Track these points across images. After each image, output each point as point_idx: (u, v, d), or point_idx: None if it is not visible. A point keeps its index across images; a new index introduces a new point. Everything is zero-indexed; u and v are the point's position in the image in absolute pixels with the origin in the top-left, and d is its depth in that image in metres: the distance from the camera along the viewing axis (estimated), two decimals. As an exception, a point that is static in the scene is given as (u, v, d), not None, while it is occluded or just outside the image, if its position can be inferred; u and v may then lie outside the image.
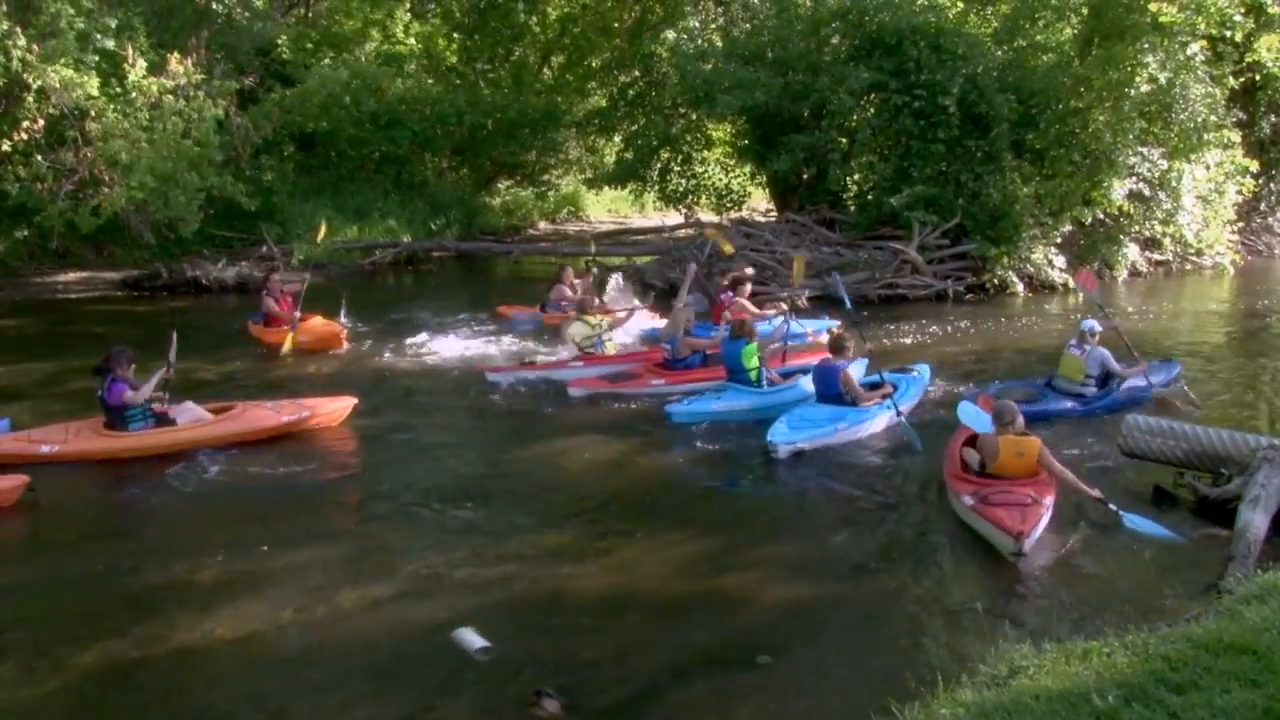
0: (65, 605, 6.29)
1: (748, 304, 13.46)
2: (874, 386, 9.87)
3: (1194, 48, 17.88)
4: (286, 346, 12.88)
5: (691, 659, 5.57)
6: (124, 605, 6.24)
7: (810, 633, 5.90)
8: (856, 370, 9.97)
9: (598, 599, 6.25)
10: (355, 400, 10.04)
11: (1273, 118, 23.96)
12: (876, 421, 9.48)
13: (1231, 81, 19.95)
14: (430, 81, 26.89)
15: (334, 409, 9.87)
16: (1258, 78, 21.97)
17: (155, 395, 9.26)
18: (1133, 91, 17.46)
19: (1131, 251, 19.55)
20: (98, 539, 7.43)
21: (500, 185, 31.77)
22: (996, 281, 17.52)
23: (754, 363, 10.31)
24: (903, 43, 18.59)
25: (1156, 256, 20.80)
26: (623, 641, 5.76)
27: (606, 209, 34.94)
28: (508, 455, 9.14)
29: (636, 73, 27.16)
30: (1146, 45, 17.37)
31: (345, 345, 13.41)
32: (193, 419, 9.26)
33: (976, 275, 17.69)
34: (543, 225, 32.26)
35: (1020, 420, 7.61)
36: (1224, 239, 20.49)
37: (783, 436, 8.96)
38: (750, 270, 15.15)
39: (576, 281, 15.18)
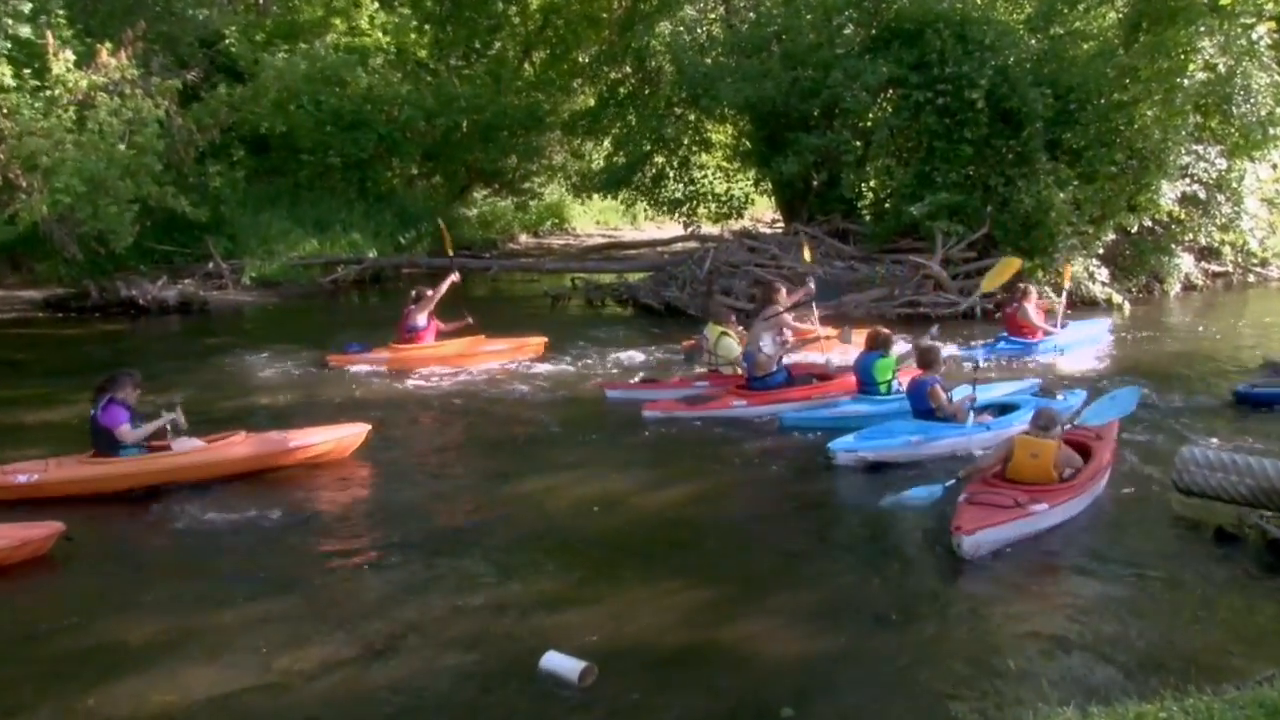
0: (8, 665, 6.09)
1: (1034, 312, 14.54)
2: (1004, 408, 10.31)
3: (1259, 30, 17.86)
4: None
5: (706, 713, 5.49)
6: (70, 667, 6.05)
7: (834, 686, 5.80)
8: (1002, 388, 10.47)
9: (596, 649, 6.09)
10: (368, 427, 10.11)
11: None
12: (962, 441, 9.68)
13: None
14: (398, 78, 26.90)
15: (345, 437, 9.94)
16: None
17: (156, 433, 9.25)
18: (1186, 82, 17.43)
19: (1185, 263, 19.46)
20: (55, 585, 7.32)
21: (476, 194, 31.89)
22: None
23: (888, 375, 10.77)
24: (924, 32, 18.61)
25: (1214, 268, 20.68)
26: (622, 700, 5.61)
27: (594, 220, 35.05)
28: (521, 488, 9.23)
29: (628, 68, 27.25)
30: (1202, 29, 17.36)
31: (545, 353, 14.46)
32: (186, 448, 9.23)
33: (1008, 291, 17.44)
34: (524, 239, 32.33)
35: (1054, 428, 8.08)
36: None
37: (843, 445, 9.45)
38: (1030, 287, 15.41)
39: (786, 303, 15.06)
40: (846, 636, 6.38)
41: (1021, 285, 14.76)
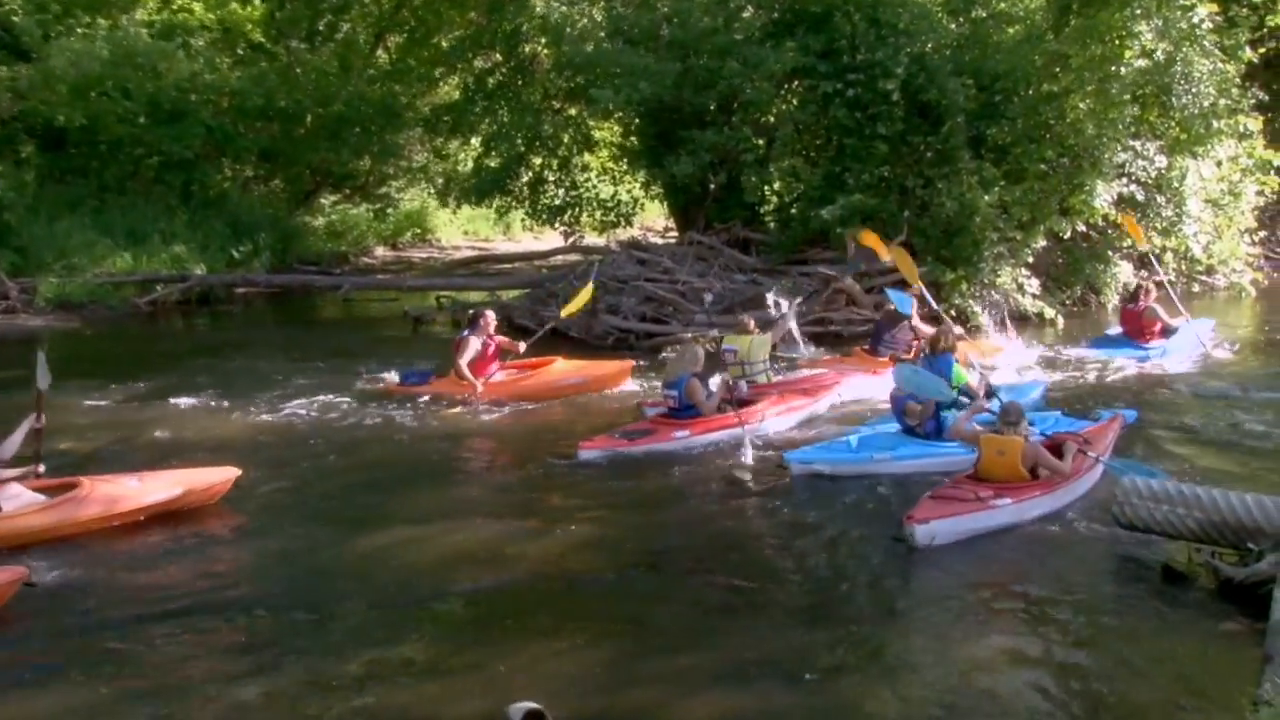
0: None
1: (1160, 310, 15.63)
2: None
3: (1200, 13, 18.21)
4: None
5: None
6: None
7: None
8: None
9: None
10: (237, 471, 10.03)
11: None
12: (936, 461, 10.13)
13: (1249, 54, 20.36)
14: (228, 63, 26.18)
15: (209, 482, 9.85)
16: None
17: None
18: (1122, 70, 17.69)
19: (1123, 271, 19.75)
20: None
21: (324, 201, 31.42)
22: (954, 312, 17.43)
23: (963, 379, 11.02)
24: (832, 16, 18.73)
25: (1155, 277, 20.99)
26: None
27: (462, 230, 34.78)
28: (410, 537, 9.18)
29: (498, 56, 26.93)
30: (1139, 11, 17.63)
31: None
32: (21, 505, 8.93)
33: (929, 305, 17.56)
34: (381, 252, 31.93)
35: (1020, 423, 8.90)
36: (1241, 253, 20.83)
37: (799, 456, 10.18)
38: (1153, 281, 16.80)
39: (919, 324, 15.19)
40: (760, 698, 6.37)
41: (1143, 283, 15.98)
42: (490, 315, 14.34)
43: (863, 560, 8.36)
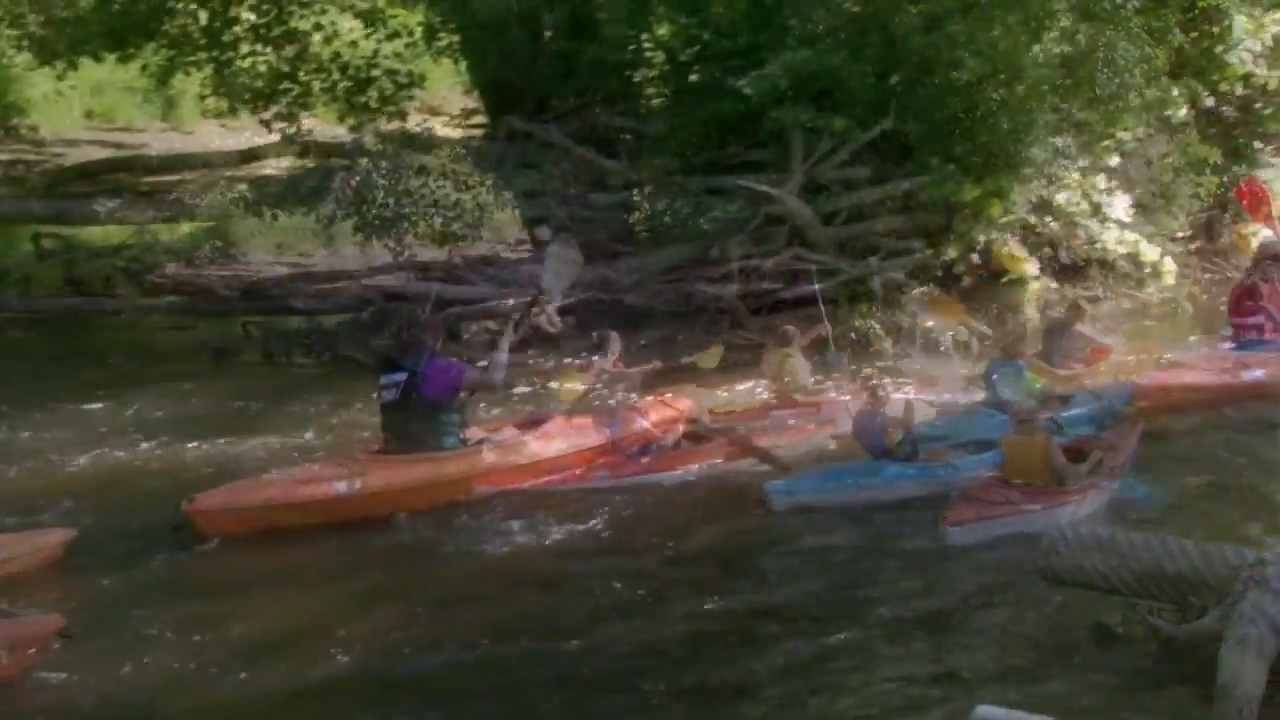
0: None
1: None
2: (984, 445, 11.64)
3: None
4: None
5: None
6: None
7: None
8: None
9: None
10: (70, 532, 10.10)
11: (1240, 88, 25.05)
12: (926, 483, 10.94)
13: (1180, 37, 20.95)
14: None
15: (33, 547, 9.90)
16: (1216, 30, 23.02)
17: None
18: (1040, 53, 18.00)
19: (1044, 285, 20.06)
20: None
21: (99, 207, 30.34)
22: (853, 334, 17.61)
23: (1035, 386, 12.50)
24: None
25: (1080, 291, 21.46)
26: None
27: (275, 243, 34.10)
28: (232, 610, 9.16)
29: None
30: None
31: None
32: None
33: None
34: (172, 269, 31.04)
35: (1031, 420, 10.18)
36: (1175, 264, 21.29)
37: (781, 488, 10.88)
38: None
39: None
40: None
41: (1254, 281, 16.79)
42: (616, 336, 14.87)
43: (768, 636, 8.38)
